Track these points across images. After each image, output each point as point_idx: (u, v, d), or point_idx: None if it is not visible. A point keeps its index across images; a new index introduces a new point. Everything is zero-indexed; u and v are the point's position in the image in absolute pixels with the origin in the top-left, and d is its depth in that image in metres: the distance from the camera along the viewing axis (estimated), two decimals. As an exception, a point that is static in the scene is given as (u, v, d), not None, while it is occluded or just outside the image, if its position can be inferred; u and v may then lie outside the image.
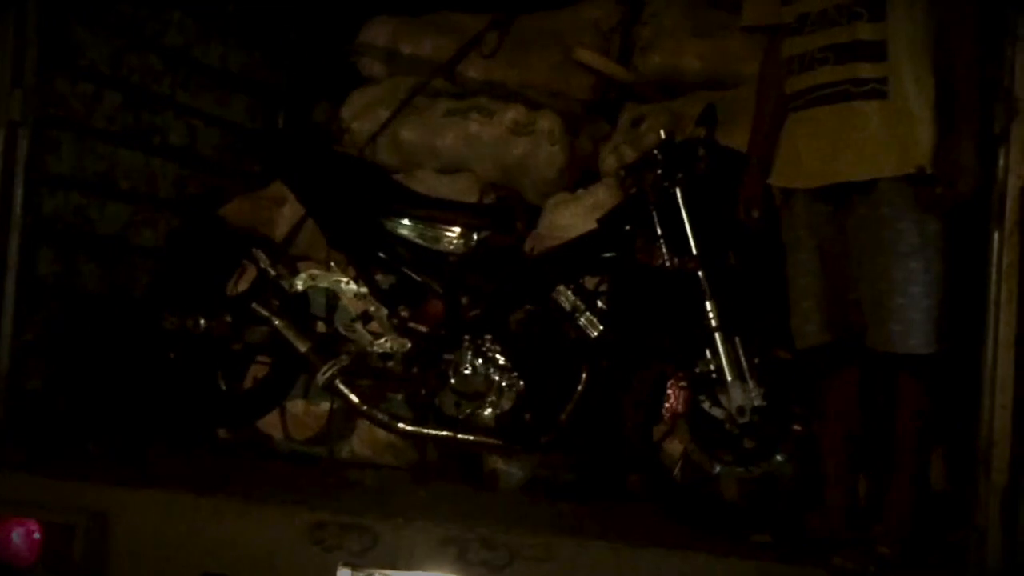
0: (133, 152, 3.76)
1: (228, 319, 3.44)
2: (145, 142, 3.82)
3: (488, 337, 3.18)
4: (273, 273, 3.39)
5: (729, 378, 2.92)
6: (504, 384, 3.16)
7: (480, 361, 3.17)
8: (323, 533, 2.67)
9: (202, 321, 3.42)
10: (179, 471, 3.16)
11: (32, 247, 3.27)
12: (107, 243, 3.69)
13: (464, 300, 3.25)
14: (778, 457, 2.97)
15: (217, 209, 3.90)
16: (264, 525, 2.76)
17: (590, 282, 3.19)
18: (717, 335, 2.94)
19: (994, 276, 2.44)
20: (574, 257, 3.24)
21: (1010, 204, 2.41)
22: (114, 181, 3.71)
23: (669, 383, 3.12)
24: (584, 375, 3.12)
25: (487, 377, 3.17)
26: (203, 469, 3.30)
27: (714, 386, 2.96)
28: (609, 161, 3.82)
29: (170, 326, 3.44)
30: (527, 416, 3.17)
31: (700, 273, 2.96)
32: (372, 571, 2.65)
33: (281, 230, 3.82)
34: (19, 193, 3.16)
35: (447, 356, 3.21)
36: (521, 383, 3.15)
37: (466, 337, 3.19)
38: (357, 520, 2.69)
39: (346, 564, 2.66)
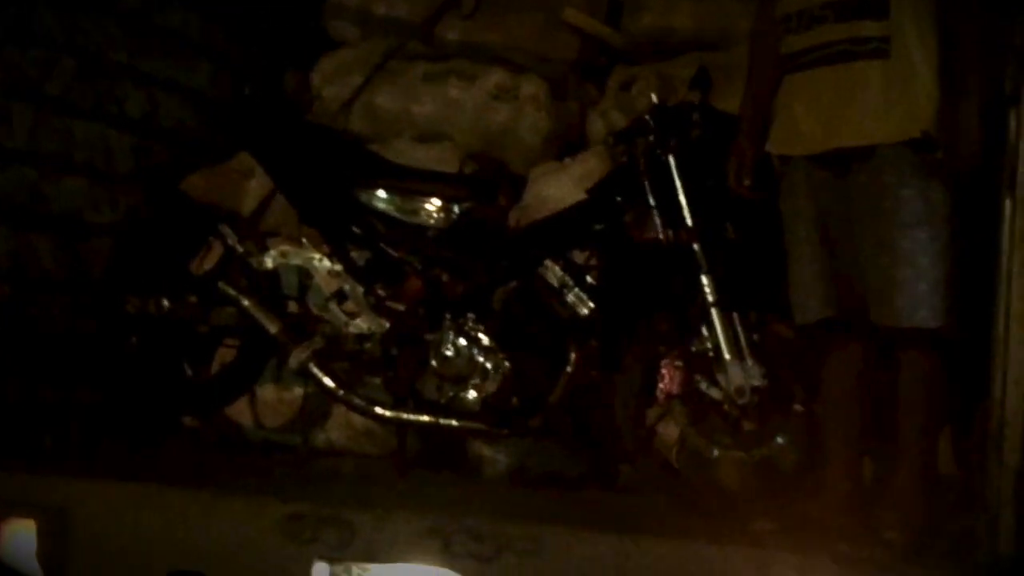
0: (90, 123, 3.72)
1: (193, 300, 3.42)
2: (103, 113, 3.78)
3: (471, 316, 3.16)
4: (241, 250, 3.37)
5: (727, 357, 2.91)
6: (488, 365, 3.14)
7: (463, 341, 3.15)
8: (298, 526, 2.66)
9: (165, 302, 3.40)
10: (143, 463, 3.15)
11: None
12: (63, 221, 3.66)
13: (445, 277, 3.23)
14: (779, 439, 2.97)
15: (179, 183, 3.87)
16: (234, 519, 2.74)
17: (579, 257, 3.18)
18: (714, 311, 2.92)
19: (1005, 246, 2.42)
20: (561, 230, 3.22)
21: (1022, 169, 2.40)
22: (70, 155, 3.67)
23: (663, 363, 3.11)
24: (573, 355, 3.10)
25: (470, 358, 3.15)
26: (169, 460, 3.29)
27: (711, 365, 2.96)
28: (597, 128, 3.81)
29: (132, 309, 3.42)
30: (513, 399, 3.16)
31: (695, 246, 2.94)
32: (350, 565, 2.64)
33: (249, 204, 3.79)
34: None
35: (428, 336, 3.19)
36: (507, 364, 3.13)
37: (447, 316, 3.17)
38: (334, 512, 2.68)
39: (322, 558, 2.65)
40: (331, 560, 2.65)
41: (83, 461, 3.09)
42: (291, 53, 4.23)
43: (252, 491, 2.85)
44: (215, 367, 3.61)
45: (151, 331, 3.45)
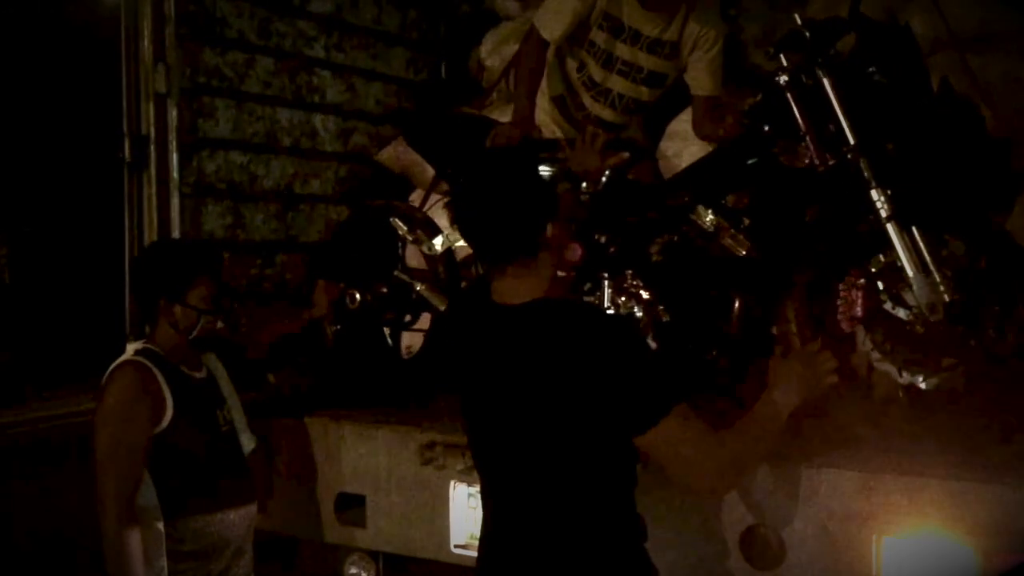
0: (292, 111, 4.05)
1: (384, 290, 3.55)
2: (302, 101, 4.11)
3: (629, 272, 3.07)
4: (411, 239, 3.46)
5: (911, 272, 2.69)
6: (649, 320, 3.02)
7: (623, 299, 3.05)
8: (430, 453, 2.86)
9: (357, 296, 3.52)
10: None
11: (198, 204, 3.66)
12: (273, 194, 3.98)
13: (602, 238, 3.15)
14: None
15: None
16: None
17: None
18: (890, 226, 2.70)
19: None
20: (713, 174, 3.07)
21: None
22: (276, 139, 4.01)
23: (841, 288, 2.88)
24: (737, 303, 2.98)
25: (631, 315, 3.03)
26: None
27: (896, 284, 2.75)
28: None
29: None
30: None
31: (862, 162, 2.72)
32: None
33: (429, 175, 3.95)
34: (174, 157, 3.55)
35: (588, 299, 3.07)
36: (667, 318, 3.01)
37: (605, 276, 3.07)
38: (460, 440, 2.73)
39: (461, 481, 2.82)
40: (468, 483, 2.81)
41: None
42: (469, 33, 4.46)
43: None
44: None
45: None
